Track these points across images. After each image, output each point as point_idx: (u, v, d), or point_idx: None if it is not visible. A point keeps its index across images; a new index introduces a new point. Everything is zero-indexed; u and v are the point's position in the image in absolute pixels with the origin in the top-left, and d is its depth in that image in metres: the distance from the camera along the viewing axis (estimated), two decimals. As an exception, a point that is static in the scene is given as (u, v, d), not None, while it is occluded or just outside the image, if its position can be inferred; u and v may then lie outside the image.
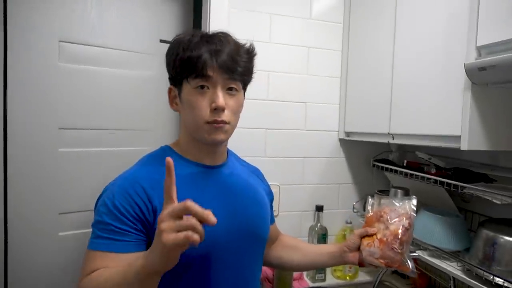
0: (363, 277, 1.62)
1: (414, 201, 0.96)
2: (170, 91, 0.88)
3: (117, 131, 1.44)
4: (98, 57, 1.38)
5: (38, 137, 1.28)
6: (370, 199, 1.02)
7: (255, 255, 0.93)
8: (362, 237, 0.96)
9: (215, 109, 0.80)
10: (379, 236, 0.92)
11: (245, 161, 1.06)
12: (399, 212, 0.94)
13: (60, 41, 1.30)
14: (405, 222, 0.92)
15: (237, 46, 0.84)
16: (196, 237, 0.59)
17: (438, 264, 1.12)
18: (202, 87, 0.80)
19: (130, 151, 1.45)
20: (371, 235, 0.94)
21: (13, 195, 1.25)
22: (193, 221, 0.59)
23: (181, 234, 0.58)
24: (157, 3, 1.53)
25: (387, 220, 0.93)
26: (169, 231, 0.59)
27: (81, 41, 1.34)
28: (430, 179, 1.22)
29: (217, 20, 1.45)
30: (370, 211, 1.00)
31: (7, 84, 1.22)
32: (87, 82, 1.36)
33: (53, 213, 1.33)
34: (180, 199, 0.79)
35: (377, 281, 1.28)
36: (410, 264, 0.90)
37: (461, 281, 1.06)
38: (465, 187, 1.09)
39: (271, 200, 1.06)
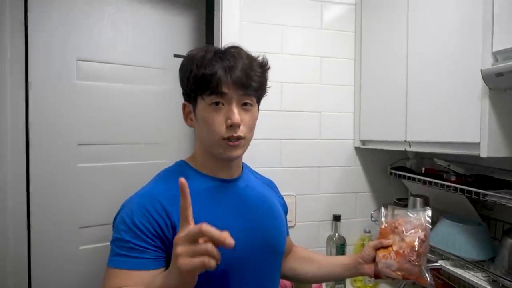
0: (383, 287, 1.58)
1: (429, 212, 0.95)
2: (184, 106, 0.89)
3: (134, 145, 1.47)
4: (114, 74, 1.41)
5: (58, 153, 1.32)
6: (383, 210, 1.01)
7: (273, 268, 0.93)
8: (377, 249, 0.95)
9: (231, 125, 0.80)
10: (395, 248, 0.91)
11: (258, 174, 1.07)
12: (414, 223, 0.94)
13: (78, 60, 1.34)
14: (421, 234, 0.91)
15: (250, 60, 0.83)
16: (212, 262, 0.59)
17: (462, 274, 1.09)
18: (217, 103, 0.80)
19: (146, 164, 1.47)
20: (386, 247, 0.93)
21: (35, 210, 1.29)
22: (209, 246, 0.59)
23: (197, 260, 0.58)
24: (170, 19, 1.56)
25: (403, 232, 0.93)
26: (184, 256, 0.59)
27: (97, 59, 1.38)
28: (450, 186, 1.19)
29: (229, 33, 1.47)
30: (384, 222, 0.99)
31: (29, 103, 1.27)
32: (103, 99, 1.39)
33: (74, 227, 1.35)
34: (197, 214, 0.79)
35: (399, 292, 1.26)
36: (427, 276, 0.89)
37: (487, 292, 1.02)
38: (487, 195, 1.06)
39: (286, 212, 1.06)
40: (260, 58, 0.87)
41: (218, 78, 0.78)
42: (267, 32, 1.54)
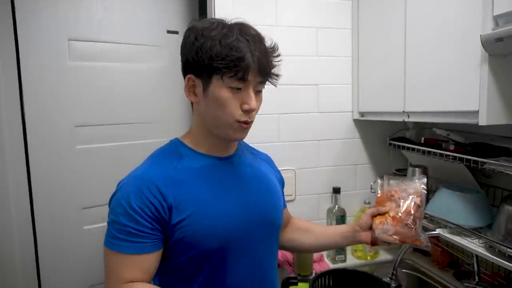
0: (384, 256, 1.62)
1: (424, 180, 0.97)
2: (189, 80, 0.83)
3: (131, 125, 1.46)
4: (106, 53, 1.39)
5: (56, 136, 1.32)
6: (379, 180, 1.02)
7: (270, 242, 0.94)
8: (374, 216, 0.97)
9: (247, 110, 0.80)
10: (391, 214, 0.93)
11: (255, 149, 1.06)
12: (409, 191, 0.96)
13: (69, 40, 1.32)
14: (417, 199, 0.94)
15: (269, 48, 0.82)
16: None
17: (459, 241, 1.11)
18: (238, 88, 0.78)
19: (144, 143, 1.47)
20: (383, 214, 0.95)
21: (38, 193, 1.30)
22: None
23: None
24: (162, -6, 1.51)
25: (399, 199, 0.95)
26: None
27: (89, 38, 1.35)
28: (448, 155, 1.19)
29: (222, 5, 1.43)
30: (379, 191, 1.01)
31: (22, 87, 1.25)
32: (98, 79, 1.38)
33: (77, 208, 1.37)
34: (194, 191, 0.81)
35: (398, 259, 1.27)
36: (424, 238, 0.91)
37: (484, 258, 1.04)
38: (485, 163, 1.06)
39: (282, 185, 1.06)
40: (273, 45, 0.84)
41: (247, 64, 0.75)
42: (261, 4, 1.49)
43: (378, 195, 1.00)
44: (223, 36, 0.76)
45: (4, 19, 1.21)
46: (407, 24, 1.22)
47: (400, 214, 0.92)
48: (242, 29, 0.79)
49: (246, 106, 0.79)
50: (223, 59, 0.75)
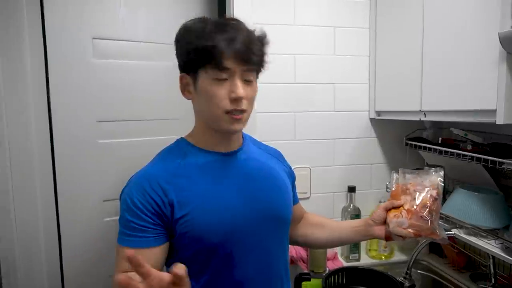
0: (398, 256, 1.61)
1: (441, 172, 0.94)
2: (181, 78, 0.87)
3: (151, 121, 1.50)
4: (129, 51, 1.43)
5: (79, 131, 1.37)
6: (394, 175, 1.01)
7: (278, 237, 0.94)
8: (388, 210, 0.95)
9: (235, 99, 0.79)
10: (406, 207, 0.91)
11: (263, 144, 1.06)
12: (425, 184, 0.93)
13: (93, 38, 1.37)
14: (433, 192, 0.91)
15: (250, 33, 0.82)
16: None
17: (475, 242, 1.10)
18: (225, 79, 0.79)
19: (163, 139, 1.49)
20: (397, 208, 0.93)
21: (61, 185, 1.36)
22: None
23: None
24: (182, -6, 1.55)
25: (414, 192, 0.93)
26: None
27: (112, 37, 1.40)
28: (466, 156, 1.18)
29: (240, 5, 1.46)
30: (394, 185, 0.98)
31: (49, 83, 1.31)
32: (120, 76, 1.42)
33: (98, 200, 1.42)
34: (196, 187, 0.83)
35: (413, 259, 1.27)
36: (440, 231, 0.88)
37: (501, 259, 1.03)
38: (503, 163, 1.04)
39: (293, 180, 1.06)
40: (258, 32, 0.85)
41: (220, 51, 0.76)
42: (279, 3, 1.51)
43: (393, 189, 0.98)
44: (200, 31, 0.78)
45: (34, 19, 1.27)
46: (424, 22, 1.22)
47: (415, 207, 0.90)
48: (221, 21, 0.81)
49: (232, 95, 0.79)
50: (198, 50, 0.77)
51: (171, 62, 1.50)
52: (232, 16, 1.45)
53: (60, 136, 1.34)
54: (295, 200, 1.08)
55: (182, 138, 0.94)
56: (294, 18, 1.53)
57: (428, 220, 0.88)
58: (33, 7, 1.26)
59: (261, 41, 0.84)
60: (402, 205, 0.92)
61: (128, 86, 1.44)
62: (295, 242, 1.12)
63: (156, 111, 1.51)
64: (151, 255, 0.80)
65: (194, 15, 1.55)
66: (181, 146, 0.91)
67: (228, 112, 0.80)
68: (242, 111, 0.81)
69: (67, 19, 1.32)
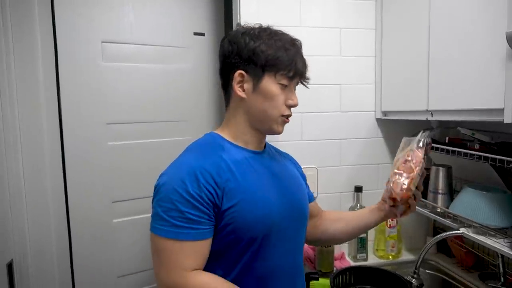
0: (406, 256, 1.61)
1: (422, 137, 1.01)
2: (239, 75, 0.89)
3: (159, 123, 1.52)
4: (137, 54, 1.46)
5: (89, 133, 1.39)
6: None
7: (301, 233, 1.00)
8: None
9: (292, 105, 0.91)
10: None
11: (277, 148, 1.12)
12: (410, 149, 1.00)
13: (103, 42, 1.39)
14: (407, 156, 0.98)
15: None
16: None
17: (484, 241, 1.09)
18: (285, 85, 0.89)
19: (171, 141, 1.53)
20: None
21: (72, 187, 1.38)
22: None
23: None
24: (189, -3, 1.57)
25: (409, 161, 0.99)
26: None
27: (121, 40, 1.43)
28: (473, 155, 1.18)
29: (247, 8, 1.47)
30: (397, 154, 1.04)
31: (60, 86, 1.34)
32: (128, 79, 1.45)
33: (107, 201, 1.44)
34: (241, 180, 0.86)
35: (421, 258, 1.26)
36: (398, 194, 0.95)
37: (510, 258, 1.03)
38: (511, 162, 1.04)
39: (305, 180, 1.11)
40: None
41: (298, 66, 0.90)
42: (286, 5, 1.52)
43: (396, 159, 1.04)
44: (276, 40, 0.89)
45: (45, 23, 1.29)
46: (431, 22, 1.22)
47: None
48: (286, 34, 0.94)
49: (290, 102, 0.91)
50: (280, 59, 0.87)
51: (178, 65, 1.55)
52: (239, 18, 1.46)
53: (70, 138, 1.37)
54: (311, 197, 1.13)
55: (214, 133, 0.96)
56: (300, 20, 1.54)
57: (391, 183, 0.96)
58: (44, 11, 1.29)
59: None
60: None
61: (137, 88, 1.46)
62: (318, 240, 1.17)
63: (165, 113, 1.53)
64: (204, 247, 0.82)
65: (200, 18, 1.60)
66: (217, 140, 0.93)
67: (283, 116, 0.91)
68: (290, 116, 0.93)
69: (77, 23, 1.35)
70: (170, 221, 0.79)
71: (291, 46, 0.90)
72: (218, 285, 0.82)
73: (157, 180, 0.86)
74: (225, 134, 0.94)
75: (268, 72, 0.88)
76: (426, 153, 0.99)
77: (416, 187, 0.98)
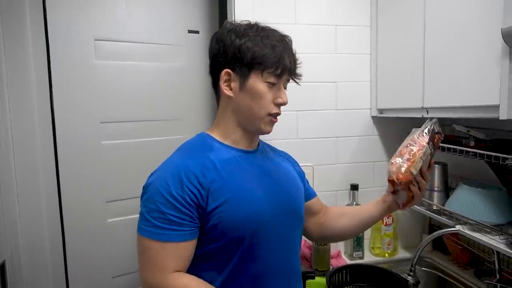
0: (402, 254, 1.61)
1: (426, 126, 0.97)
2: (226, 73, 0.88)
3: (154, 121, 1.51)
4: (131, 52, 1.44)
5: (83, 132, 1.38)
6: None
7: (295, 231, 0.98)
8: None
9: (280, 104, 0.89)
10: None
11: (273, 147, 1.11)
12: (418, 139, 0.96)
13: (95, 40, 1.37)
14: (411, 141, 0.94)
15: (295, 51, 0.93)
16: None
17: (480, 238, 1.10)
18: (273, 84, 0.87)
19: (166, 140, 1.52)
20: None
21: (65, 186, 1.36)
22: None
23: None
24: (183, -6, 1.56)
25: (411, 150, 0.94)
26: None
27: (114, 38, 1.41)
28: (469, 152, 1.18)
29: (242, 5, 1.46)
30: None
31: (52, 84, 1.32)
32: (122, 77, 1.43)
33: (102, 201, 1.43)
34: (228, 179, 0.85)
35: (417, 256, 1.27)
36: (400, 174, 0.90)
37: (506, 254, 1.03)
38: (507, 159, 1.04)
39: (303, 178, 1.10)
40: (295, 48, 0.94)
41: (285, 63, 0.87)
42: (280, 3, 1.51)
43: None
44: (263, 37, 0.87)
45: (36, 20, 1.27)
46: (426, 19, 1.22)
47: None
48: (276, 31, 0.91)
49: (279, 100, 0.89)
50: (266, 57, 0.85)
51: (173, 63, 1.53)
52: (233, 16, 1.45)
53: (64, 138, 1.35)
54: (313, 194, 1.12)
55: (204, 133, 0.96)
56: (295, 17, 1.53)
57: (394, 164, 0.91)
58: (36, 9, 1.27)
59: (297, 56, 0.94)
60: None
61: (131, 87, 1.45)
62: (324, 237, 1.15)
63: (159, 112, 1.52)
64: (186, 249, 0.81)
65: (195, 15, 1.58)
66: (207, 141, 0.92)
67: (270, 115, 0.89)
68: (279, 115, 0.91)
69: (69, 21, 1.33)
70: (152, 222, 0.80)
71: (279, 42, 0.87)
72: None
73: (146, 180, 0.86)
74: (215, 133, 0.94)
75: (254, 71, 0.86)
76: (432, 142, 0.95)
77: (422, 176, 0.95)
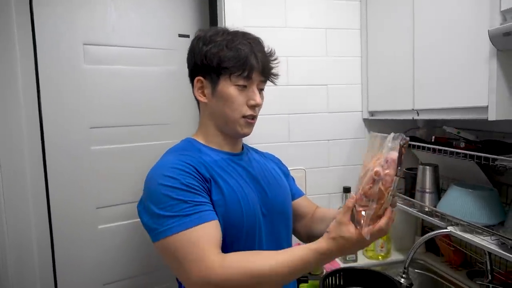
0: (395, 256, 1.61)
1: (392, 141, 0.79)
2: (198, 81, 0.92)
3: (144, 126, 1.49)
4: (120, 57, 1.42)
5: (72, 137, 1.35)
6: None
7: (284, 231, 0.99)
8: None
9: (253, 105, 0.89)
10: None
11: (258, 150, 1.12)
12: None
13: (84, 44, 1.36)
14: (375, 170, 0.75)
15: (267, 51, 0.94)
16: None
17: (471, 239, 1.10)
18: (244, 86, 0.88)
19: (157, 144, 1.50)
20: None
21: (54, 192, 1.34)
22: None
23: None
24: (173, -2, 1.55)
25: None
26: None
27: (103, 43, 1.39)
28: (459, 153, 1.18)
29: (231, 9, 1.46)
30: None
31: (40, 89, 1.30)
32: (112, 82, 1.41)
33: (92, 207, 1.40)
34: (222, 178, 0.86)
35: (409, 258, 1.26)
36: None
37: (497, 255, 1.03)
38: (496, 159, 1.05)
39: (288, 176, 1.11)
40: (270, 49, 0.95)
41: (252, 64, 0.87)
42: (270, 6, 1.51)
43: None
44: (228, 41, 0.87)
45: (23, 24, 1.26)
46: (415, 22, 1.23)
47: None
48: (244, 34, 0.91)
49: (252, 102, 0.89)
50: (230, 60, 0.86)
51: (163, 67, 1.52)
52: (223, 19, 1.45)
53: (52, 143, 1.33)
54: (298, 193, 1.12)
55: (190, 138, 0.97)
56: (286, 21, 1.54)
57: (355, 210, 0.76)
58: (23, 13, 1.25)
59: (274, 56, 0.94)
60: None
61: (120, 91, 1.43)
62: (312, 240, 1.10)
63: (150, 116, 1.50)
64: (217, 229, 0.78)
65: (185, 20, 1.58)
66: (193, 144, 0.94)
67: (244, 117, 0.89)
68: (255, 116, 0.92)
69: (57, 25, 1.31)
70: (176, 215, 0.76)
71: (244, 45, 0.87)
72: (250, 257, 0.76)
73: (144, 187, 0.86)
74: (199, 138, 0.96)
75: (222, 76, 0.87)
76: (400, 164, 0.76)
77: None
